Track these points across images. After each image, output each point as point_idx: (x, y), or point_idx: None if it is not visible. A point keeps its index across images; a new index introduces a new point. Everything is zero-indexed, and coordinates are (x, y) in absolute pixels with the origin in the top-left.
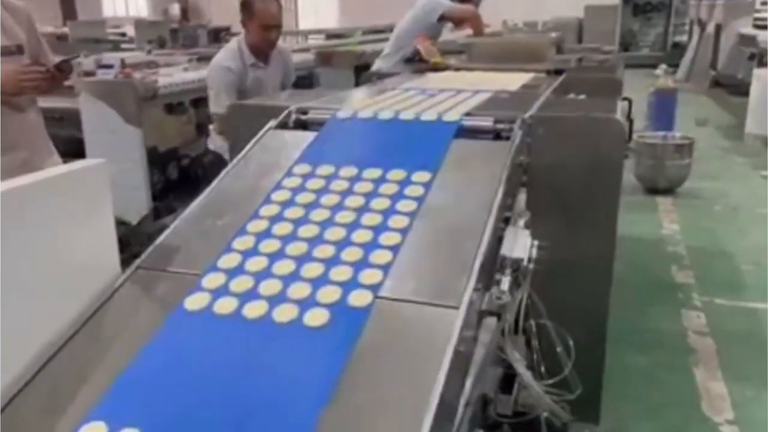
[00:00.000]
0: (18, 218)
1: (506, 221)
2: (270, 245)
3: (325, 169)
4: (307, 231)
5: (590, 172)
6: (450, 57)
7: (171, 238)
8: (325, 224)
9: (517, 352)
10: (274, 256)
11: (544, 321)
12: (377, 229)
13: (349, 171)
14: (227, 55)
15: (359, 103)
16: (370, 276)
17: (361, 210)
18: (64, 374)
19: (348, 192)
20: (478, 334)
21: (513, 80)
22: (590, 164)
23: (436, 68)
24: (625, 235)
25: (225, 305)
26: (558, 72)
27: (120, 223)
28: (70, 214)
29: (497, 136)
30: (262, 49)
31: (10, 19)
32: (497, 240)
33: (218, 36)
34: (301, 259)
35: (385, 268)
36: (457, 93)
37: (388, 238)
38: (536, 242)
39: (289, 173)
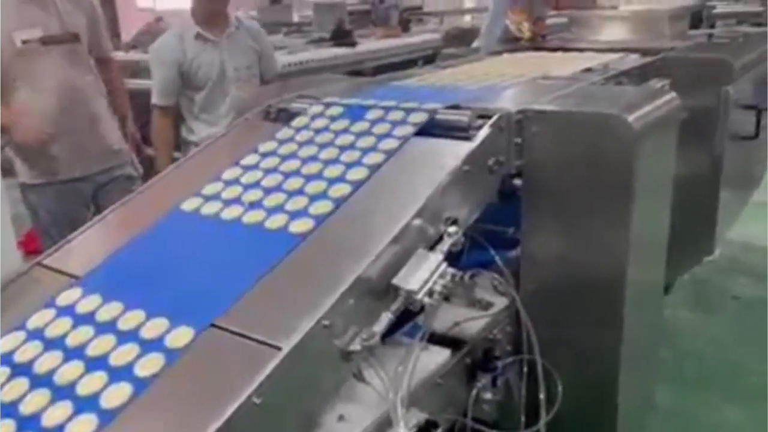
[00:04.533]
0: None
1: (439, 240)
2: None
3: (88, 304)
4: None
5: (589, 178)
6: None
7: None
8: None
9: (400, 407)
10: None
11: (532, 357)
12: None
13: (110, 311)
14: (167, 32)
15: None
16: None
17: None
18: None
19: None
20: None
21: (585, 62)
22: (590, 168)
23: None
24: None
25: None
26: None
27: None
28: None
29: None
30: (206, 15)
31: (69, 5)
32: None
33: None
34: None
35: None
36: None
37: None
38: (450, 271)
39: (50, 303)
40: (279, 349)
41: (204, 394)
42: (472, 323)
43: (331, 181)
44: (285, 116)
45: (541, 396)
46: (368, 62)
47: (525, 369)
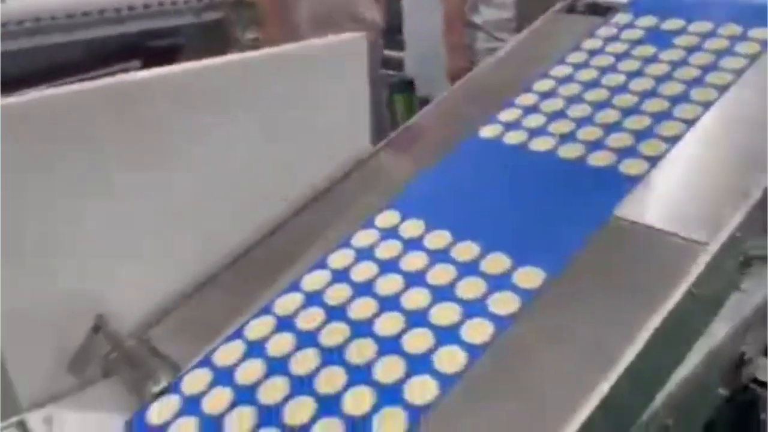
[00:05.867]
0: (276, 76)
1: None
2: None
3: (413, 227)
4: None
5: None
6: None
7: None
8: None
9: None
10: None
11: None
12: None
13: (438, 238)
14: None
15: None
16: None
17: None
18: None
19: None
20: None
21: None
22: None
23: None
24: None
25: None
26: None
27: None
28: (325, 81)
29: None
30: None
31: None
32: None
33: None
34: None
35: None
36: None
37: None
38: None
39: (367, 224)
40: (707, 244)
41: (633, 284)
42: None
43: (706, 69)
44: (593, 10)
45: None
46: None
47: None
